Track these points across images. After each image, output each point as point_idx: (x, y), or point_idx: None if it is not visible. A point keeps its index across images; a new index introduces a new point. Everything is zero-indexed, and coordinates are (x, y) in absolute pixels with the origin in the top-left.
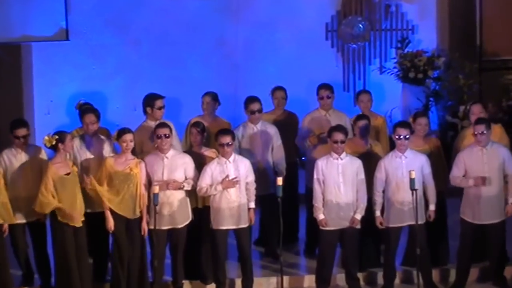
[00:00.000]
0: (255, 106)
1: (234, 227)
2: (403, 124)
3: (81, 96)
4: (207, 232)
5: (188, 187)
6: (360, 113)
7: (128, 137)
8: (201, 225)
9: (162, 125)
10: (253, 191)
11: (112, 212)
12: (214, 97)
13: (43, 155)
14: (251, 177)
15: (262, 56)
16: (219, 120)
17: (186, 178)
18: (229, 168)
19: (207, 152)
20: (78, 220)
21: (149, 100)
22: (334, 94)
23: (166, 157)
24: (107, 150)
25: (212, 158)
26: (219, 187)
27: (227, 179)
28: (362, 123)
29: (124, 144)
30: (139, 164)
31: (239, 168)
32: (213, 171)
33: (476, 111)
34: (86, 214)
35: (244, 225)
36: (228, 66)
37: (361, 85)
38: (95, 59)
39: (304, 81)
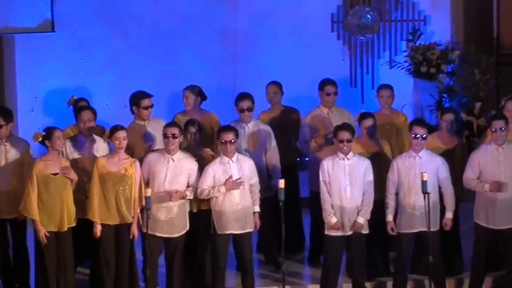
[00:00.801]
0: (244, 104)
1: (239, 231)
2: (421, 122)
3: (69, 92)
4: (205, 238)
5: (190, 196)
6: (363, 111)
7: (121, 134)
8: (197, 230)
9: (172, 124)
10: (257, 194)
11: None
12: (198, 92)
13: (29, 150)
14: (256, 178)
15: (263, 49)
16: (205, 113)
17: (188, 185)
18: (233, 168)
19: (204, 153)
20: (61, 226)
21: (135, 99)
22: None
23: (172, 159)
24: (102, 150)
25: (213, 158)
26: (222, 189)
27: (230, 180)
28: (369, 122)
29: (117, 142)
30: (134, 163)
31: (243, 168)
32: (215, 171)
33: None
34: (78, 220)
35: (249, 229)
36: (226, 60)
37: (370, 80)
38: (83, 52)
39: (308, 76)
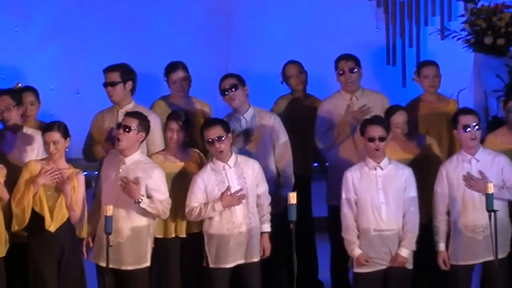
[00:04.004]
0: (226, 83)
1: (242, 261)
2: (467, 110)
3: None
4: (196, 272)
5: (145, 205)
6: (392, 105)
7: (53, 136)
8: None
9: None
10: (267, 208)
11: (43, 241)
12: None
13: None
14: (264, 187)
15: (266, 14)
16: (195, 102)
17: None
18: (230, 175)
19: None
20: None
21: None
22: (361, 69)
23: (124, 163)
24: (36, 152)
25: (202, 162)
26: (218, 206)
27: (228, 193)
28: (399, 118)
29: (46, 147)
30: (77, 175)
31: (245, 174)
32: (207, 182)
33: None
34: (12, 246)
35: (256, 258)
36: (216, 28)
37: (414, 55)
38: (19, 18)
39: (330, 50)
